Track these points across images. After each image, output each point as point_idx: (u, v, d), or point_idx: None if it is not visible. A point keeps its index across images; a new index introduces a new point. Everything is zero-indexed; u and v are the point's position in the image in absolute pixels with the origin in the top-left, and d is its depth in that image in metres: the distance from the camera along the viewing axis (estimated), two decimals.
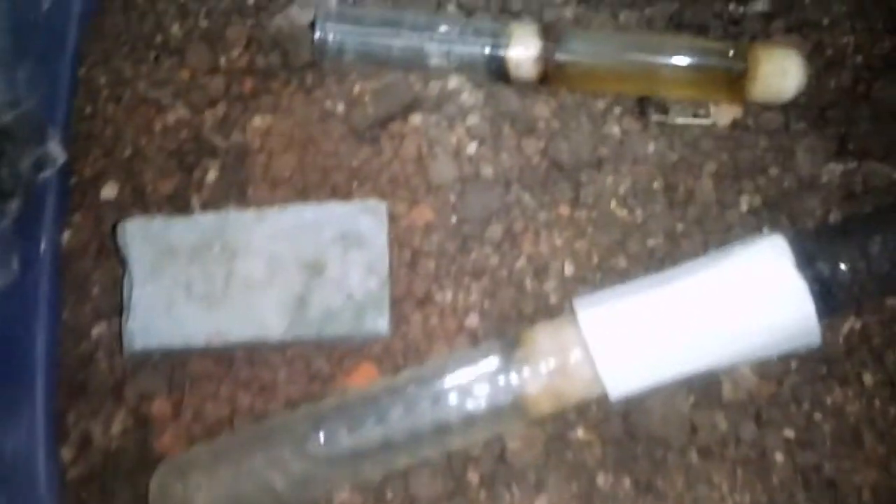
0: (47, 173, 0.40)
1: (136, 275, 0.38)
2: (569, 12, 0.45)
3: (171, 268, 0.38)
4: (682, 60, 0.42)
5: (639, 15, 0.46)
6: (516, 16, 0.45)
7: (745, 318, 0.34)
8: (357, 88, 0.44)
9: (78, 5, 0.44)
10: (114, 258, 0.40)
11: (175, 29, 0.45)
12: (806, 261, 0.35)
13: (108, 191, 0.42)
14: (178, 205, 0.42)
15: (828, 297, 0.35)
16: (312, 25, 0.43)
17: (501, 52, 0.42)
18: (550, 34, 0.42)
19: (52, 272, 0.41)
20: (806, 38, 0.45)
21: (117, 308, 0.39)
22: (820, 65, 0.44)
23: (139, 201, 0.42)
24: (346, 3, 0.45)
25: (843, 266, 0.36)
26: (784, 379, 0.38)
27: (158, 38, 0.45)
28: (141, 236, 0.39)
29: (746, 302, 0.34)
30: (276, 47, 0.44)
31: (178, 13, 0.46)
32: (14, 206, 0.38)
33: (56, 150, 0.41)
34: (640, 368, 0.35)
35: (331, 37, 0.42)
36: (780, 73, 0.41)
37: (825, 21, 0.46)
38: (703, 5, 0.46)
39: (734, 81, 0.41)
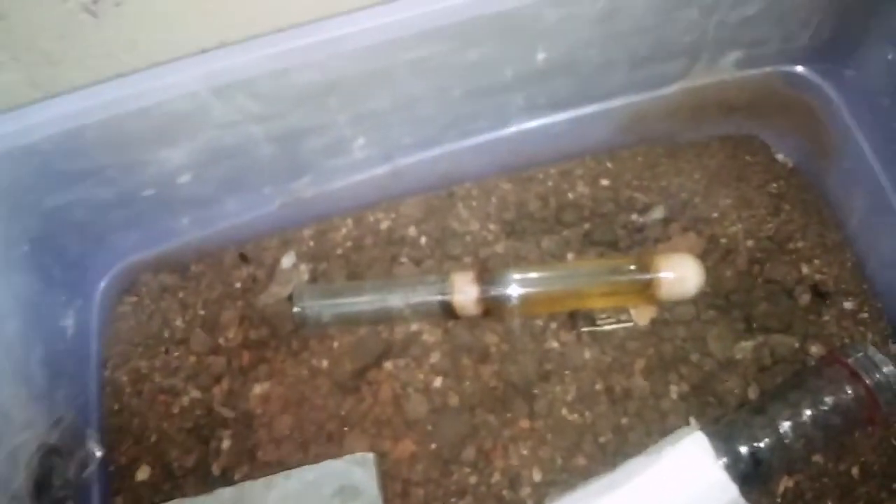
0: (90, 470, 0.47)
1: None
2: (499, 248, 0.52)
3: None
4: (595, 281, 0.48)
5: (558, 238, 0.52)
6: (457, 259, 0.53)
7: None
8: (336, 345, 0.51)
9: (96, 321, 0.51)
10: None
11: (178, 322, 0.52)
12: (727, 447, 0.41)
13: (142, 473, 0.49)
14: (201, 474, 0.48)
15: (753, 471, 0.42)
16: (291, 298, 0.51)
17: (448, 298, 0.48)
18: (485, 277, 0.48)
19: None
20: (700, 234, 0.52)
21: None
22: (717, 255, 0.51)
23: (168, 478, 0.48)
24: (316, 278, 0.53)
25: (760, 444, 0.42)
26: None
27: (166, 333, 0.52)
28: None
29: (681, 496, 0.40)
30: (264, 321, 0.52)
31: (180, 307, 0.53)
32: None
33: (94, 448, 0.48)
34: None
35: (307, 310, 0.49)
36: (680, 279, 0.47)
37: (715, 215, 0.53)
38: (609, 221, 0.53)
39: (644, 289, 0.47)
